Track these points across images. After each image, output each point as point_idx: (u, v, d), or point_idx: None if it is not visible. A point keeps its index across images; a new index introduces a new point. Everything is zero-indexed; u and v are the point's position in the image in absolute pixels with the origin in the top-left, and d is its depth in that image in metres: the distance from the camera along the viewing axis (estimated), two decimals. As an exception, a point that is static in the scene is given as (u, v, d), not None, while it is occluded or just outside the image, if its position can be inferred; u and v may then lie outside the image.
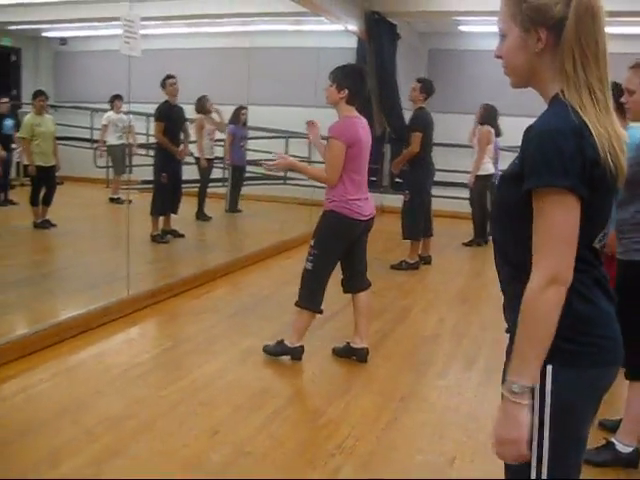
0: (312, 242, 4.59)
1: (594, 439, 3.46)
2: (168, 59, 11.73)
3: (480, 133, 9.01)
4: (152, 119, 8.97)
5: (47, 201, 9.05)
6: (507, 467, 1.78)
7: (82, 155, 13.23)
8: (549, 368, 1.64)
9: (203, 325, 5.41)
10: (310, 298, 4.62)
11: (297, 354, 4.66)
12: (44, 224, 8.97)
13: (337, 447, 3.46)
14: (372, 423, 3.78)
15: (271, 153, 5.83)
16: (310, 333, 4.81)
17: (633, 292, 3.22)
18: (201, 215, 10.11)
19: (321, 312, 4.72)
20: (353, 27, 11.31)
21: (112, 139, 11.46)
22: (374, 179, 12.69)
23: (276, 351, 4.68)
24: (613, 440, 3.36)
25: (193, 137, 9.89)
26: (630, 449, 3.32)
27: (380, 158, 12.57)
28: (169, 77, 8.38)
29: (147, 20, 6.62)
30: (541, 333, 1.59)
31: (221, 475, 3.16)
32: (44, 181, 8.96)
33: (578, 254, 1.59)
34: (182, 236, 8.71)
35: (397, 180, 12.88)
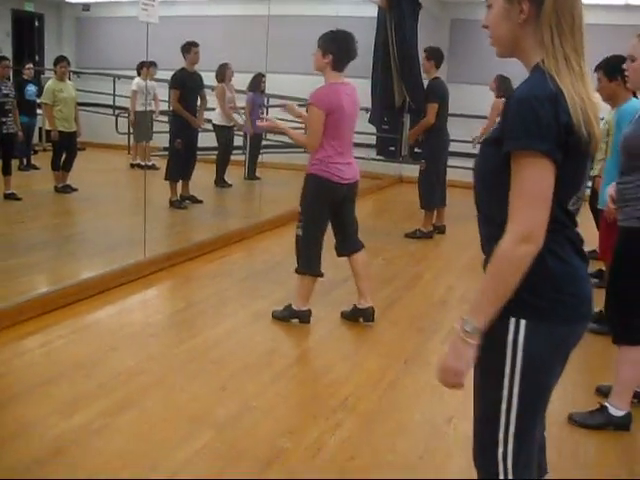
0: (300, 208, 4.70)
1: (589, 403, 3.59)
2: (187, 26, 11.81)
3: (494, 103, 9.01)
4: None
5: (68, 166, 9.22)
6: (477, 411, 1.93)
7: (104, 121, 13.39)
8: (522, 322, 1.76)
9: (216, 288, 5.56)
10: (307, 263, 4.73)
11: (305, 317, 4.78)
12: (65, 189, 9.15)
13: (340, 404, 3.60)
14: (375, 383, 3.91)
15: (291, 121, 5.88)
16: (320, 298, 4.95)
17: (629, 258, 3.32)
18: (220, 182, 10.23)
19: (321, 275, 4.81)
20: (373, -5, 11.29)
21: (137, 105, 11.49)
22: (393, 148, 12.76)
23: (284, 315, 4.82)
24: (606, 404, 3.46)
25: (212, 104, 9.97)
26: (622, 412, 3.43)
27: (400, 128, 12.59)
28: (193, 45, 8.32)
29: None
30: (505, 286, 1.70)
31: (227, 428, 3.30)
32: (65, 146, 9.10)
33: (553, 215, 1.69)
34: (200, 202, 8.81)
35: (416, 150, 12.93)
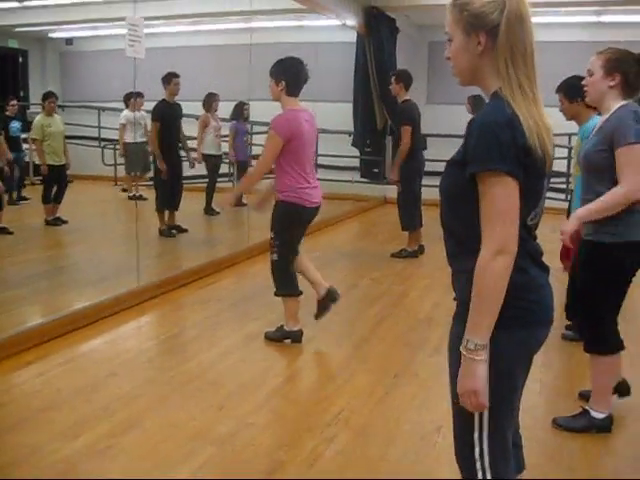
0: (272, 234, 4.85)
1: (572, 408, 3.75)
2: (171, 57, 12.00)
3: None
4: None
5: (58, 199, 9.34)
6: (454, 414, 2.06)
7: (90, 153, 13.57)
8: None
9: (208, 313, 5.71)
10: (285, 285, 4.91)
11: (296, 337, 4.94)
12: (56, 221, 9.28)
13: (333, 418, 3.74)
14: (366, 398, 4.05)
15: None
16: (309, 317, 5.09)
17: (597, 271, 3.48)
18: (209, 210, 10.38)
19: (301, 293, 4.98)
20: (352, 22, 11.54)
21: (128, 137, 11.56)
22: (376, 170, 12.97)
23: (276, 336, 4.97)
24: (587, 408, 3.63)
25: (194, 133, 10.15)
26: (603, 415, 3.59)
27: (382, 150, 12.82)
28: (174, 75, 8.43)
29: (150, 19, 6.83)
30: (492, 298, 1.83)
31: (227, 445, 3.44)
32: (55, 180, 9.25)
33: None
34: (185, 231, 8.92)
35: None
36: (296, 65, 4.79)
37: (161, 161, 8.38)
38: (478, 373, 1.85)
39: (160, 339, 5.17)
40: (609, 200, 3.32)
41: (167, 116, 8.42)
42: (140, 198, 11.27)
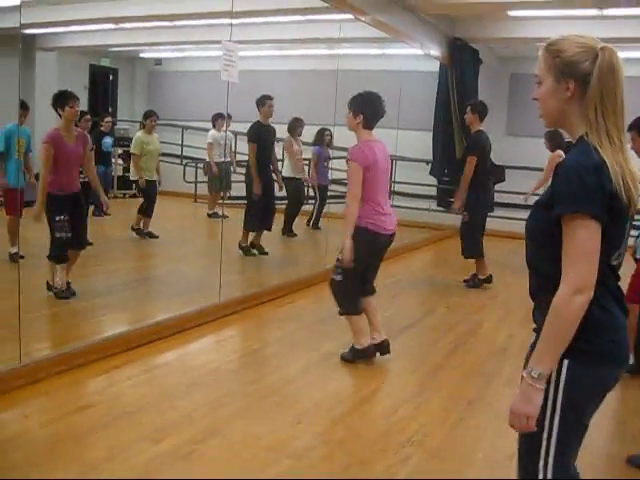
0: (339, 255, 4.97)
1: None
2: (257, 80, 12.33)
3: (550, 157, 9.12)
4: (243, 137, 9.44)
5: (146, 212, 9.68)
6: (521, 442, 2.15)
7: (172, 170, 13.96)
8: (565, 362, 1.99)
9: (287, 331, 5.86)
10: (349, 304, 5.09)
11: (370, 353, 5.09)
12: (144, 234, 9.64)
13: (407, 440, 3.82)
14: (440, 422, 4.12)
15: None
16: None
17: None
18: (287, 231, 10.57)
19: (362, 312, 5.12)
20: (436, 52, 11.65)
21: (213, 157, 11.79)
22: (452, 200, 12.97)
23: (350, 357, 5.10)
24: None
25: (280, 156, 10.37)
26: None
27: (460, 180, 12.82)
28: (268, 98, 8.52)
29: (241, 43, 7.05)
30: (563, 333, 1.94)
31: (304, 458, 3.56)
32: (146, 194, 9.62)
33: (599, 270, 1.93)
34: (266, 254, 8.90)
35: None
36: (375, 100, 4.95)
37: (257, 182, 8.46)
38: (535, 400, 1.97)
39: (240, 353, 5.36)
40: None
41: (262, 138, 8.51)
42: (222, 216, 11.58)
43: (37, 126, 8.90)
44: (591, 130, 1.97)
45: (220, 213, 11.07)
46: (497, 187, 12.52)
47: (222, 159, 11.67)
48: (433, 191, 13.24)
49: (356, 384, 4.79)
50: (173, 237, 10.12)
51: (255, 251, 8.88)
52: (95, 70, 16.23)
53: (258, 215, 8.60)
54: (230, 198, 12.06)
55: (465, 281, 8.04)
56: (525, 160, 11.76)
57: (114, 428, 3.79)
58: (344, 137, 11.05)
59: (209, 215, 11.99)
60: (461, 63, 12.18)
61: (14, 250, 7.38)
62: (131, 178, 10.07)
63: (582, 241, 1.90)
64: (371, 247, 4.97)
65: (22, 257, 7.41)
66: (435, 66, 12.63)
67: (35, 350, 4.66)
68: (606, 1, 8.68)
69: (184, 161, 14.73)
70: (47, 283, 6.19)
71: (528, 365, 1.99)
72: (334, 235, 10.45)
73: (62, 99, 5.97)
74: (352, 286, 5.03)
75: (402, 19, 9.72)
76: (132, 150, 9.67)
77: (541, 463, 2.06)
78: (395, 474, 3.44)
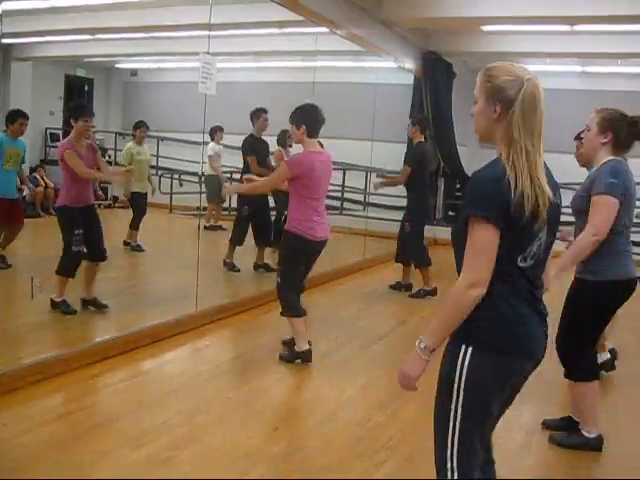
0: (278, 259, 5.44)
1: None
2: (236, 91, 12.42)
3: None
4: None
5: (136, 225, 9.63)
6: (434, 419, 2.40)
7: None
8: (469, 349, 2.24)
9: (263, 340, 5.93)
10: (289, 306, 5.32)
11: (306, 357, 5.28)
12: (134, 247, 9.62)
13: (382, 445, 3.92)
14: (414, 429, 4.20)
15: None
16: (358, 351, 5.28)
17: (579, 306, 3.88)
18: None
19: (305, 314, 5.39)
20: (410, 65, 11.82)
21: (208, 169, 11.55)
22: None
23: (289, 357, 5.31)
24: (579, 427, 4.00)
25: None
26: (594, 435, 3.95)
27: (434, 192, 12.98)
28: (263, 111, 8.36)
29: (218, 55, 7.08)
30: (453, 318, 2.22)
31: (281, 463, 3.64)
32: (137, 206, 9.54)
33: (505, 270, 2.21)
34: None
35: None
36: (314, 110, 5.26)
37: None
38: (418, 366, 2.28)
39: (218, 362, 5.38)
40: (577, 244, 3.76)
41: (258, 151, 8.34)
42: (220, 228, 11.65)
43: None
44: (511, 147, 2.20)
45: (217, 226, 11.35)
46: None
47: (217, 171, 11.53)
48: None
49: (331, 392, 4.86)
50: (159, 248, 10.11)
51: (261, 270, 8.61)
52: (70, 80, 16.20)
53: (244, 230, 8.40)
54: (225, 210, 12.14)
55: (411, 296, 8.09)
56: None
57: (94, 435, 3.84)
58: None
59: (206, 227, 11.63)
60: (435, 76, 12.35)
61: None
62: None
63: (478, 241, 2.17)
64: (301, 252, 5.28)
65: (10, 265, 7.51)
66: (409, 79, 12.80)
67: (13, 359, 4.68)
68: (577, 18, 8.87)
69: (159, 172, 14.73)
70: (51, 300, 5.98)
71: (419, 337, 2.28)
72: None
73: (78, 111, 5.96)
74: (291, 289, 5.32)
75: (377, 33, 9.86)
76: (122, 161, 9.57)
77: (448, 439, 2.31)
78: (372, 476, 3.53)
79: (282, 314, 5.36)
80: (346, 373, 5.16)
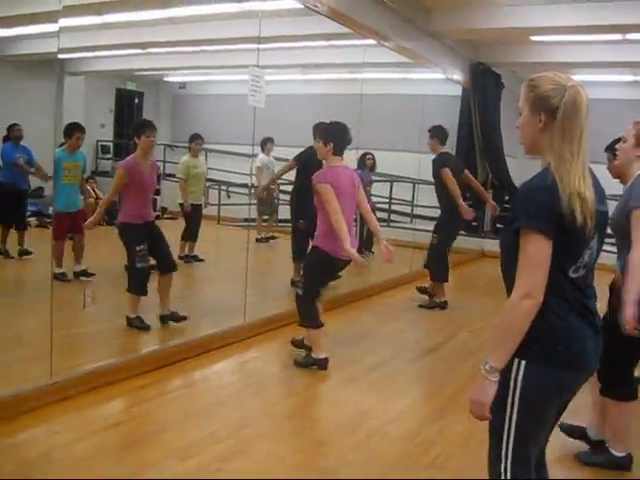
0: (301, 271, 5.62)
1: None
2: (282, 104, 12.46)
3: None
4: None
5: (193, 237, 9.64)
6: (490, 433, 2.42)
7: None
8: (522, 363, 2.26)
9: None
10: (308, 317, 5.42)
11: (322, 365, 5.34)
12: (190, 259, 9.59)
13: (431, 462, 3.87)
14: (463, 446, 4.15)
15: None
16: (407, 365, 5.23)
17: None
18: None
19: (322, 325, 5.48)
20: (458, 77, 11.74)
21: (263, 180, 11.23)
22: (475, 224, 13.01)
23: (305, 362, 5.38)
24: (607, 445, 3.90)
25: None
26: (622, 454, 3.83)
27: (482, 204, 12.86)
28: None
29: (266, 68, 7.08)
30: (512, 332, 2.20)
31: (326, 477, 3.62)
32: (192, 218, 9.52)
33: (556, 281, 2.20)
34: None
35: (498, 225, 13.17)
36: (342, 129, 5.35)
37: None
38: (488, 390, 2.22)
39: (264, 374, 5.39)
40: (634, 266, 3.47)
41: (311, 163, 7.66)
42: (272, 238, 11.72)
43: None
44: (554, 156, 2.22)
45: (269, 237, 11.43)
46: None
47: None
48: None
49: (378, 406, 4.81)
50: (208, 259, 10.06)
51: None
52: (121, 94, 16.53)
53: (304, 245, 7.77)
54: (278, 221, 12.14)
55: (421, 306, 8.03)
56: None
57: (142, 446, 3.87)
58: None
59: (257, 240, 11.54)
60: (483, 87, 12.27)
61: (59, 270, 7.56)
62: (178, 202, 9.74)
63: (531, 253, 2.17)
64: (326, 268, 5.38)
65: (93, 274, 7.64)
66: (457, 90, 12.72)
67: (65, 368, 4.74)
68: (629, 26, 8.71)
69: (207, 183, 14.80)
70: (127, 318, 5.99)
71: (483, 359, 2.23)
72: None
73: (141, 128, 6.02)
74: (311, 301, 5.40)
75: (425, 44, 9.84)
76: (178, 174, 9.55)
77: (502, 452, 2.33)
78: (418, 495, 3.49)
79: (300, 324, 5.50)
80: (394, 387, 5.12)
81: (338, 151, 5.29)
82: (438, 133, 7.91)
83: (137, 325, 5.93)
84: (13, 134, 8.93)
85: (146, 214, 6.07)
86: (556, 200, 2.14)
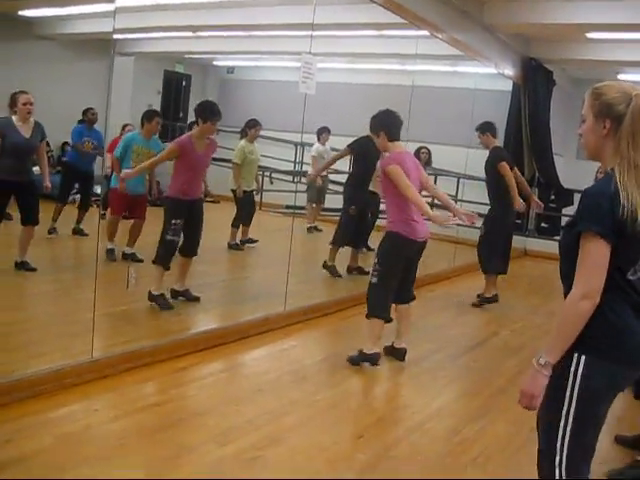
0: (376, 259, 5.20)
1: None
2: (331, 92, 12.38)
3: None
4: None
5: (243, 222, 9.60)
6: (540, 432, 2.50)
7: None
8: (583, 357, 2.30)
9: (350, 344, 5.82)
10: (379, 308, 5.16)
11: (374, 360, 5.16)
12: (245, 242, 9.62)
13: (470, 462, 3.80)
14: (503, 446, 4.07)
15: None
16: (451, 361, 5.15)
17: None
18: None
19: (391, 320, 5.29)
20: (509, 72, 11.55)
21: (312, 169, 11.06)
22: (519, 221, 12.83)
23: (357, 359, 5.18)
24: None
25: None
26: None
27: (527, 201, 12.66)
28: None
29: (318, 55, 7.00)
30: (569, 330, 2.27)
31: (365, 471, 3.57)
32: (245, 204, 9.46)
33: (615, 282, 2.28)
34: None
35: (542, 225, 12.97)
36: (389, 114, 5.27)
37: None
38: (539, 383, 2.30)
39: (304, 363, 5.33)
40: None
41: (369, 153, 7.73)
42: (316, 229, 11.54)
43: (110, 129, 9.08)
44: (621, 161, 2.27)
45: (316, 226, 11.32)
46: (564, 211, 12.46)
47: (324, 173, 11.43)
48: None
49: (419, 402, 4.75)
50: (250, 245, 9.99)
51: (354, 273, 8.43)
52: (169, 76, 16.54)
53: (349, 231, 8.11)
54: (324, 210, 11.97)
55: (474, 305, 7.90)
56: (588, 181, 11.53)
57: (180, 428, 3.87)
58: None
59: (308, 229, 11.49)
60: (534, 84, 12.05)
61: (110, 246, 7.65)
62: (231, 188, 9.65)
63: (590, 255, 2.25)
64: (402, 252, 5.15)
65: (141, 260, 7.49)
66: (508, 85, 12.51)
67: (106, 346, 4.76)
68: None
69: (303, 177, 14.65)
70: (149, 293, 5.99)
71: (538, 353, 2.31)
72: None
73: (210, 114, 5.95)
74: (386, 291, 5.17)
75: (478, 37, 9.67)
76: (235, 159, 9.43)
77: (557, 446, 2.36)
78: (459, 495, 3.42)
79: (367, 316, 5.22)
80: (435, 383, 5.05)
81: (393, 136, 5.21)
82: (490, 127, 7.80)
83: (159, 303, 5.95)
84: (87, 117, 9.05)
85: (193, 192, 6.06)
86: (618, 207, 2.20)
